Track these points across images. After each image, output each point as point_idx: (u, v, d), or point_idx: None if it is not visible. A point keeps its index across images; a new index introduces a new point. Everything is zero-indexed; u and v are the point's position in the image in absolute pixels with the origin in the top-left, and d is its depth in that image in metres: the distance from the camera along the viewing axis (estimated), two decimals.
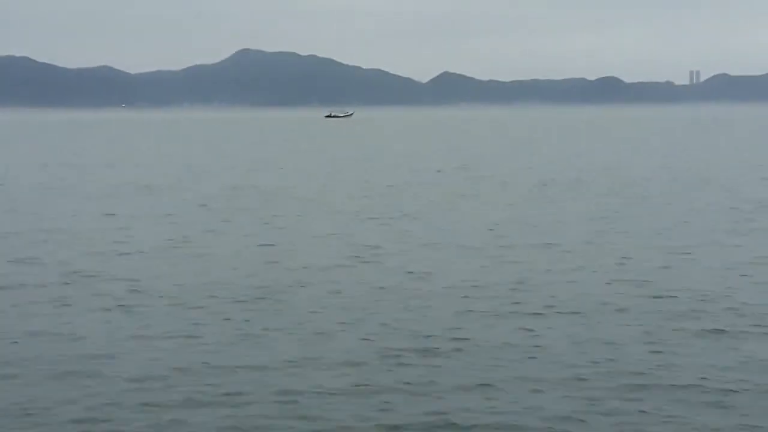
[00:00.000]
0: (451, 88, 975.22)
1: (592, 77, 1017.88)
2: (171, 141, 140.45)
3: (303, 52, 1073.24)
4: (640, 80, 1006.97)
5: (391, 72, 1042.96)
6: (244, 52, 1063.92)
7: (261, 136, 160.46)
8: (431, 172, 67.55)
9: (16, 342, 20.03)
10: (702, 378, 17.02)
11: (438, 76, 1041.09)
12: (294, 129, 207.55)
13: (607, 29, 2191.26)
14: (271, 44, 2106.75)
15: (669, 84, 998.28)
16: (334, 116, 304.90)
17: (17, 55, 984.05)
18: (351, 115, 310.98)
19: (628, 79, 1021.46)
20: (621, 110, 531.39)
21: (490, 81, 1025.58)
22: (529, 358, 18.41)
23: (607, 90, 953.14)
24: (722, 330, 20.54)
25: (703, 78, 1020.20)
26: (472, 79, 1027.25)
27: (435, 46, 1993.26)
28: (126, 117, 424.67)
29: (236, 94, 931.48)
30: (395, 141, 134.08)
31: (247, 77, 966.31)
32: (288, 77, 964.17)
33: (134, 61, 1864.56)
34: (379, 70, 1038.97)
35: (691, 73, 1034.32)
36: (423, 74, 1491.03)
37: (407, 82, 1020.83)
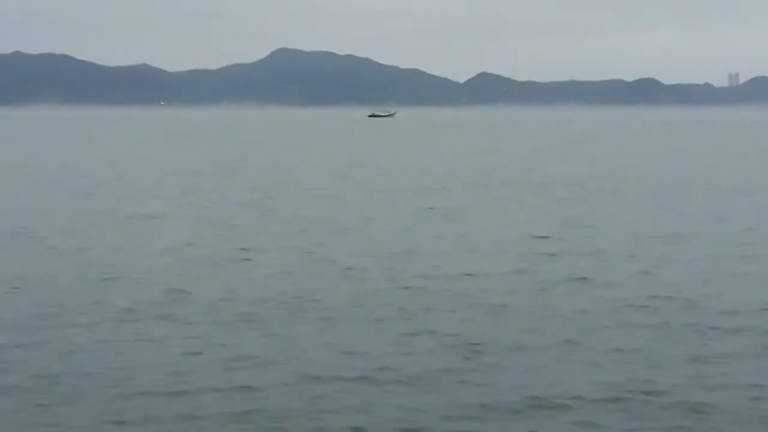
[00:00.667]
0: (488, 89, 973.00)
1: (630, 78, 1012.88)
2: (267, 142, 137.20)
3: (340, 52, 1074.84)
4: (679, 82, 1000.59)
5: (428, 72, 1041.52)
6: (282, 52, 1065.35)
7: (330, 135, 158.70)
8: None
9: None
10: None
11: (475, 77, 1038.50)
12: (348, 128, 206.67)
13: (646, 30, 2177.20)
14: (308, 44, 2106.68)
15: (708, 86, 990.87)
16: (377, 116, 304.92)
17: (57, 53, 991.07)
18: (394, 114, 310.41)
19: (666, 80, 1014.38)
20: (660, 112, 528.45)
21: (528, 82, 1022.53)
22: None
23: (645, 91, 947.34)
24: None
25: (742, 80, 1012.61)
26: (509, 79, 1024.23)
27: (472, 46, 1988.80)
28: (171, 115, 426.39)
29: (273, 93, 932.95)
30: (470, 140, 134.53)
31: (284, 77, 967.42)
32: (325, 77, 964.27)
33: (172, 60, 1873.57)
34: (417, 70, 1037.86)
35: (730, 75, 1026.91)
36: (460, 74, 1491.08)
37: (444, 82, 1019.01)
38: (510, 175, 64.83)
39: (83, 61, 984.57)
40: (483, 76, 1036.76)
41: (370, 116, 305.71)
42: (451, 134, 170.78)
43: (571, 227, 36.94)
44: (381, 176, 65.19)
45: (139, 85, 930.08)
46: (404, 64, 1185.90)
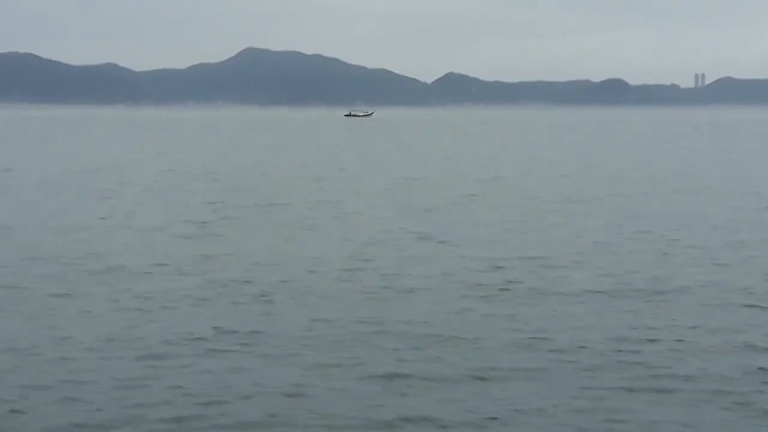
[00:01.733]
0: (456, 89, 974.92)
1: (596, 79, 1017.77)
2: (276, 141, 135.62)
3: (308, 52, 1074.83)
4: (645, 82, 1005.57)
5: (396, 72, 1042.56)
6: (249, 51, 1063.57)
7: (316, 135, 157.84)
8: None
9: None
10: None
11: (443, 77, 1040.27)
12: (329, 128, 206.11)
13: (613, 31, 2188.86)
14: (276, 43, 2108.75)
15: (674, 87, 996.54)
16: (354, 115, 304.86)
17: (21, 51, 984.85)
18: (371, 114, 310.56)
19: (633, 81, 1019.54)
20: (627, 112, 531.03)
21: (495, 82, 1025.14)
22: None
23: (612, 92, 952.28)
24: None
25: (708, 81, 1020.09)
26: (476, 79, 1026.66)
27: (440, 46, 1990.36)
28: (139, 114, 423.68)
29: (241, 93, 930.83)
30: (460, 140, 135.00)
31: (252, 76, 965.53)
32: (293, 76, 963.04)
33: (139, 59, 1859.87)
34: (385, 69, 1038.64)
35: (696, 76, 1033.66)
36: (428, 74, 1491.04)
37: (412, 82, 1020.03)
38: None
39: (49, 60, 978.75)
40: (451, 76, 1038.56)
41: (347, 116, 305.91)
42: (435, 133, 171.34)
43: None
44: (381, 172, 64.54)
45: (105, 85, 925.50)
46: (372, 64, 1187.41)
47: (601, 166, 73.95)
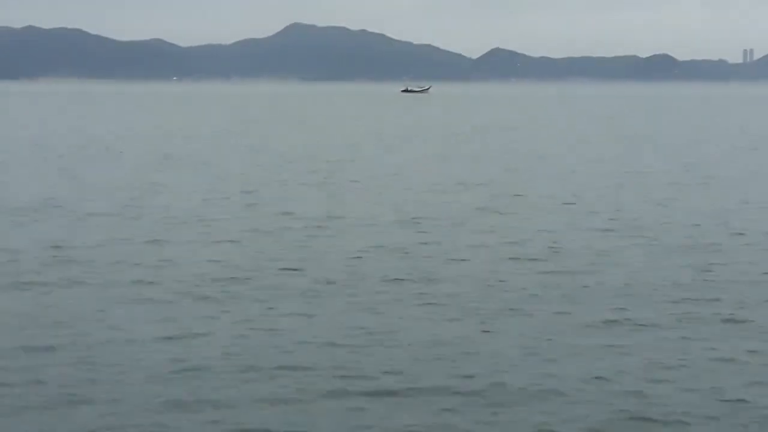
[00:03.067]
0: (501, 65, 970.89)
1: (644, 54, 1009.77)
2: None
3: (353, 27, 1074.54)
4: (693, 58, 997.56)
5: (442, 48, 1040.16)
6: (295, 26, 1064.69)
7: (403, 112, 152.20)
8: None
9: None
10: None
11: (488, 52, 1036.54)
12: (396, 103, 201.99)
13: (661, 6, 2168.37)
14: (321, 18, 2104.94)
15: (722, 62, 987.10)
16: (410, 91, 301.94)
17: (70, 27, 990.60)
18: (428, 89, 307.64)
19: (680, 56, 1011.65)
20: (677, 88, 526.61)
21: (541, 58, 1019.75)
22: None
23: (659, 68, 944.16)
24: None
25: (756, 56, 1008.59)
26: (522, 55, 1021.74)
27: (486, 22, 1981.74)
28: (187, 89, 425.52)
29: (286, 68, 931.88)
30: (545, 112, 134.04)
31: (297, 51, 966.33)
32: (338, 52, 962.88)
33: (185, 34, 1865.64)
34: (430, 45, 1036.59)
35: (745, 51, 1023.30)
36: (473, 50, 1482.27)
37: (457, 57, 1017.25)
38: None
39: (96, 36, 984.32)
40: (496, 51, 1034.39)
41: (403, 91, 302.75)
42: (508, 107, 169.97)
43: None
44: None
45: (152, 60, 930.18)
46: (417, 39, 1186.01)
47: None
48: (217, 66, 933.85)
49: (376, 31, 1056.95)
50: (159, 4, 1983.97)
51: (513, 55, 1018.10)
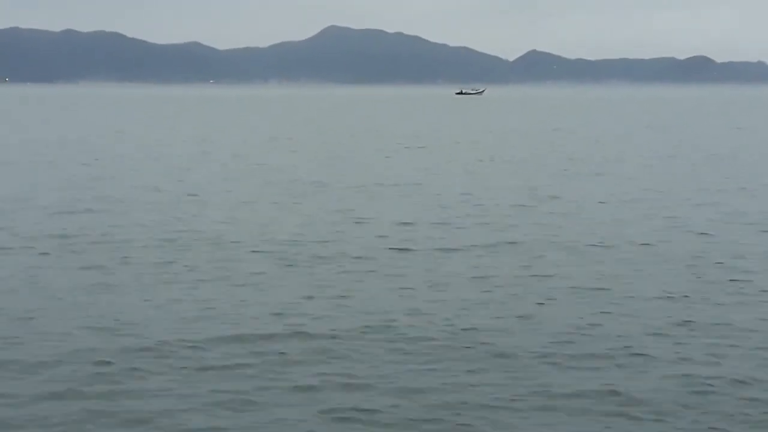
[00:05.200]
0: (538, 67, 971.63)
1: (681, 56, 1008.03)
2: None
3: (390, 30, 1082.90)
4: (731, 60, 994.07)
5: (478, 50, 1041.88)
6: (331, 29, 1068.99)
7: (483, 117, 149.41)
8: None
9: None
10: None
11: (525, 54, 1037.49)
12: (461, 107, 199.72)
13: (698, 7, 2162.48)
14: (358, 21, 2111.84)
15: (761, 64, 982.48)
16: (465, 93, 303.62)
17: (108, 30, 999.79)
18: (483, 92, 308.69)
19: (718, 58, 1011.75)
20: (715, 90, 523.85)
21: (578, 60, 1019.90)
22: None
23: (697, 69, 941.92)
24: None
25: None
26: (559, 57, 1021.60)
27: (522, 24, 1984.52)
28: (227, 93, 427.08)
29: (323, 71, 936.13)
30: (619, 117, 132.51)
31: (334, 54, 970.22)
32: (375, 54, 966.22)
33: (222, 38, 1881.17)
34: (466, 47, 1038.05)
35: None
36: (510, 52, 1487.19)
37: (494, 60, 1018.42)
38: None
39: (134, 39, 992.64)
40: (533, 53, 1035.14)
41: (458, 93, 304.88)
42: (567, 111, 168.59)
43: None
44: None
45: (189, 63, 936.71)
46: (454, 41, 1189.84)
47: None
48: (254, 69, 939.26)
49: (412, 33, 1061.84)
50: (196, 7, 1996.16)
51: (549, 57, 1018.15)
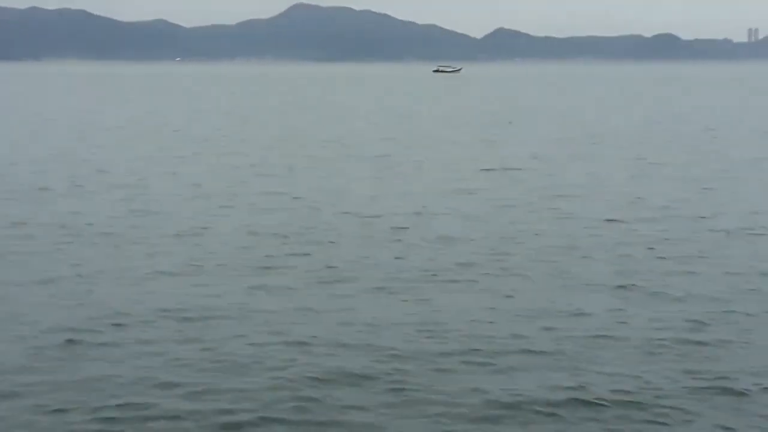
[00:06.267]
0: (506, 45, 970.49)
1: (648, 34, 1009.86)
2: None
3: (357, 7, 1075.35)
4: (697, 37, 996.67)
5: (446, 27, 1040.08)
6: (299, 7, 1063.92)
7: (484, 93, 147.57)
8: None
9: None
10: None
11: (492, 32, 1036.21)
12: (448, 84, 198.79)
13: None
14: None
15: (727, 41, 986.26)
16: (442, 71, 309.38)
17: (73, 8, 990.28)
18: (459, 70, 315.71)
19: (685, 36, 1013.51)
20: (681, 67, 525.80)
21: (546, 37, 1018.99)
22: None
23: (664, 47, 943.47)
24: None
25: (761, 35, 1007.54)
26: (527, 35, 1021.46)
27: (490, 1, 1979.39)
28: (194, 70, 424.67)
29: (291, 49, 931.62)
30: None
31: (301, 32, 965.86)
32: (342, 32, 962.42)
33: (189, 15, 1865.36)
34: (434, 25, 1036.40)
35: (750, 30, 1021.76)
36: (477, 30, 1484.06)
37: (462, 37, 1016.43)
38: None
39: (100, 17, 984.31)
40: (500, 31, 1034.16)
41: (435, 71, 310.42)
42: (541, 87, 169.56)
43: None
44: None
45: (155, 41, 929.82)
46: (422, 19, 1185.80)
47: None
48: (220, 47, 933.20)
49: (380, 11, 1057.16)
50: None
51: (517, 34, 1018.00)
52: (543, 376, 14.56)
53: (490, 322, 17.34)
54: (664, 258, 22.78)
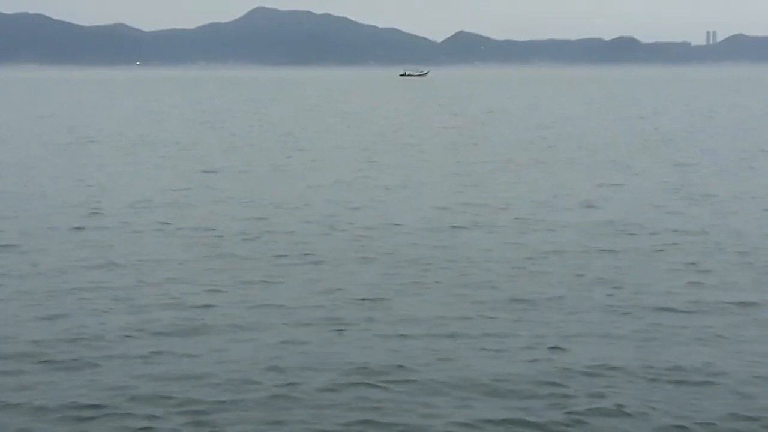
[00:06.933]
0: (466, 48, 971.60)
1: (607, 37, 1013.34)
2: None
3: (317, 11, 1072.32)
4: (657, 40, 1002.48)
5: (406, 31, 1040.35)
6: (259, 11, 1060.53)
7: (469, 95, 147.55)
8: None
9: None
10: None
11: (453, 36, 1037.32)
12: (418, 87, 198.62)
13: None
14: (285, 2, 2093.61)
15: (686, 44, 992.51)
16: (409, 75, 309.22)
17: (32, 12, 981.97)
18: (426, 74, 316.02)
19: (644, 39, 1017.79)
20: (639, 70, 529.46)
21: (506, 41, 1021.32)
22: None
23: (623, 50, 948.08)
24: None
25: (719, 38, 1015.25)
26: (487, 38, 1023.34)
27: (450, 5, 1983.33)
28: (155, 75, 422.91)
29: (252, 52, 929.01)
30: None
31: (262, 36, 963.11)
32: (303, 36, 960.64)
33: (149, 19, 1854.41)
34: (394, 29, 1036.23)
35: (708, 33, 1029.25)
36: (438, 33, 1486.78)
37: (422, 41, 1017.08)
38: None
39: (59, 21, 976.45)
40: (461, 35, 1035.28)
41: (402, 75, 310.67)
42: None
43: None
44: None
45: (115, 45, 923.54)
46: (382, 23, 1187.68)
47: None
48: (181, 51, 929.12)
49: (340, 14, 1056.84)
50: None
51: (477, 38, 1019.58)
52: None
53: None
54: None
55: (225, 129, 69.43)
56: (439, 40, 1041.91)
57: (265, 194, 33.46)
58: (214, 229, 26.60)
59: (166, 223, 27.63)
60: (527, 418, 12.87)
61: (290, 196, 32.94)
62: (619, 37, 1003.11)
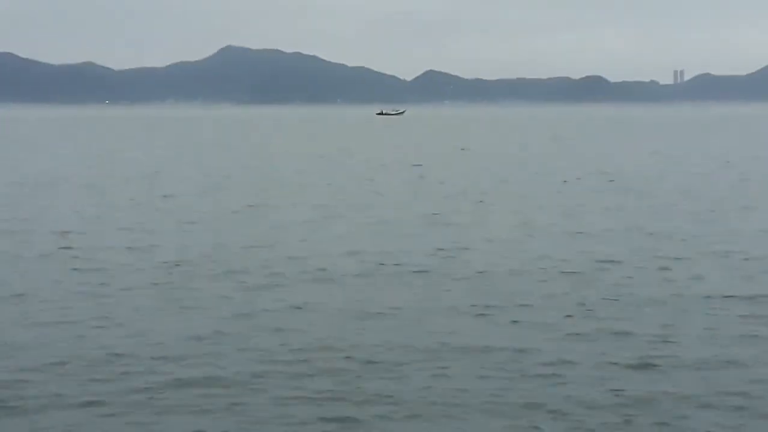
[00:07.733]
0: (436, 87, 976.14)
1: (576, 76, 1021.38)
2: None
3: (287, 50, 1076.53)
4: (625, 79, 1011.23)
5: (376, 70, 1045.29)
6: (229, 49, 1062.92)
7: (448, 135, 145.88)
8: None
9: None
10: None
11: (422, 74, 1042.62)
12: (401, 127, 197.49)
13: (592, 28, 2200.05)
14: (255, 41, 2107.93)
15: (654, 83, 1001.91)
16: (386, 114, 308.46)
17: (0, 50, 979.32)
18: (403, 113, 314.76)
19: (612, 78, 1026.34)
20: (606, 109, 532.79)
21: (475, 80, 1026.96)
22: None
23: (592, 89, 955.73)
24: None
25: (687, 77, 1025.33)
26: (456, 77, 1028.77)
27: (420, 44, 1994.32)
28: (126, 114, 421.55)
29: (222, 91, 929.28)
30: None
31: (232, 74, 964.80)
32: (273, 74, 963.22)
33: (117, 58, 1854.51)
34: (364, 67, 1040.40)
35: (675, 72, 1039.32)
36: (407, 72, 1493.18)
37: (392, 79, 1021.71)
38: None
39: (27, 59, 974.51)
40: (430, 73, 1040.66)
41: (379, 114, 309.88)
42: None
43: None
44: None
45: (84, 84, 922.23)
46: (352, 62, 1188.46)
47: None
48: (150, 89, 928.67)
49: (310, 53, 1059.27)
50: (90, 27, 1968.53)
51: (446, 76, 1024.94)
52: None
53: None
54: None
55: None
56: (409, 78, 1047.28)
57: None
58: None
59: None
60: None
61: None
62: (587, 77, 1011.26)
